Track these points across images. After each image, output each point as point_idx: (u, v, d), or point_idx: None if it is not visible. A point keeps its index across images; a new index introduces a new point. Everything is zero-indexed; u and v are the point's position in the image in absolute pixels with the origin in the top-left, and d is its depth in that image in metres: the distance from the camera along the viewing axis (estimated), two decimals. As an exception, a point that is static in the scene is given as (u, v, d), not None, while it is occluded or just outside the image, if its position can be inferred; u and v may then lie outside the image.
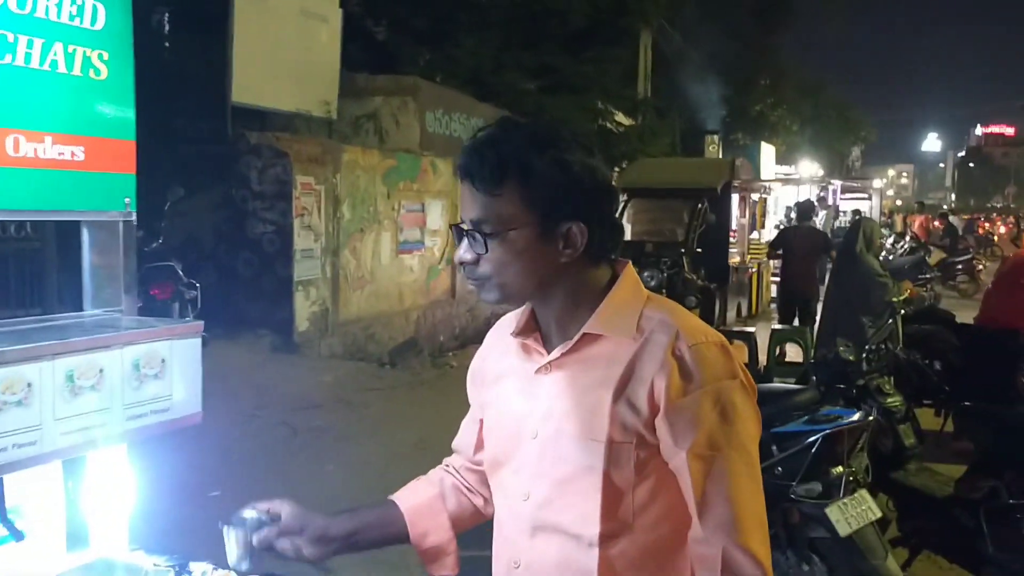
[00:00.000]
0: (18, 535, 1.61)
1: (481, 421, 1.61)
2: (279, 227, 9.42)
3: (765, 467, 3.37)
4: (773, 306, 14.19)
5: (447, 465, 1.72)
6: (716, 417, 1.38)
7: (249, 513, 1.44)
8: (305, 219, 9.71)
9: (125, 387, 1.39)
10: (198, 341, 1.54)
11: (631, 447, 1.39)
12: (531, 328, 1.51)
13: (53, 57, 1.49)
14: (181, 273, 7.51)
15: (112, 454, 1.62)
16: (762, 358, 7.58)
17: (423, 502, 1.64)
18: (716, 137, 25.15)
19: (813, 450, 3.58)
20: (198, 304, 7.89)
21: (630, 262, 1.52)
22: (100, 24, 1.57)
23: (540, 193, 1.38)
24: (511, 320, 1.57)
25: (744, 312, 13.61)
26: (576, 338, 1.43)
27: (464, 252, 1.41)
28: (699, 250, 11.70)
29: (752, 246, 14.82)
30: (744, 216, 14.50)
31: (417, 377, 9.23)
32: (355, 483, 5.51)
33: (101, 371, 1.35)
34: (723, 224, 12.80)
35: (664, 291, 9.89)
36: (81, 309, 1.70)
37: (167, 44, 10.45)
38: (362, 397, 7.71)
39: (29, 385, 1.24)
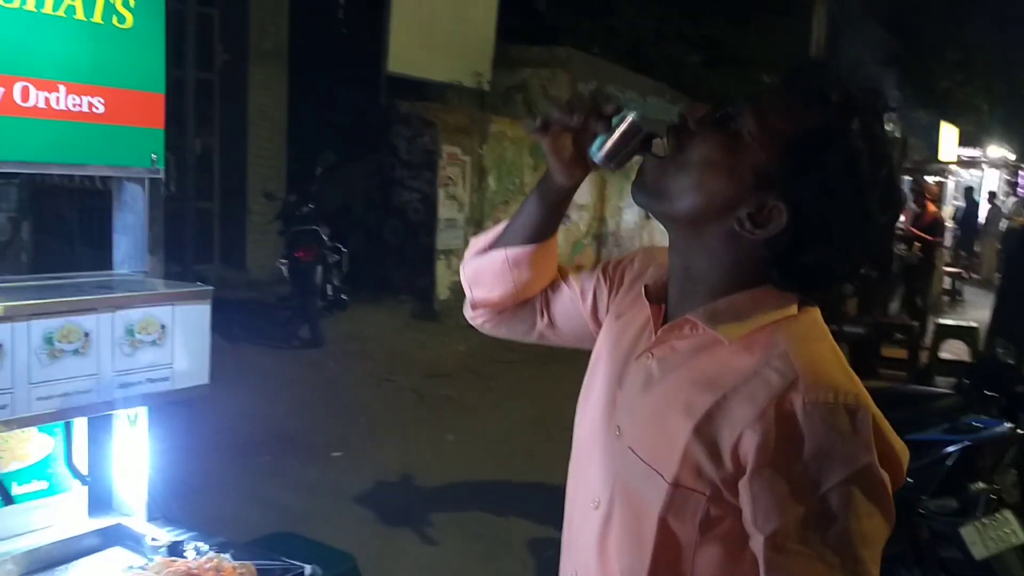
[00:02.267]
0: (84, 480, 1.60)
1: (580, 294, 1.37)
2: (424, 196, 9.56)
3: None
4: (945, 299, 13.16)
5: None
6: (817, 506, 1.03)
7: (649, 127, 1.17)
8: (450, 189, 9.78)
9: (115, 352, 1.31)
10: (206, 308, 1.45)
11: (701, 499, 1.08)
12: (659, 296, 1.21)
13: (70, 2, 1.43)
14: (326, 238, 7.70)
15: (138, 418, 1.57)
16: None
17: (552, 258, 1.40)
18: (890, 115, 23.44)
19: (950, 462, 3.19)
20: (343, 268, 8.10)
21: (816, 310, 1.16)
22: (125, -32, 1.50)
23: (811, 150, 1.06)
24: (650, 266, 1.29)
25: (911, 304, 12.68)
26: (677, 320, 1.14)
27: (700, 114, 1.12)
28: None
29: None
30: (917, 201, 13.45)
31: (549, 352, 9.12)
32: (471, 455, 5.48)
33: (86, 336, 1.28)
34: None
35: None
36: (128, 268, 1.65)
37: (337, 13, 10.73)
38: (491, 369, 7.67)
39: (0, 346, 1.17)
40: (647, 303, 1.20)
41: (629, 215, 13.58)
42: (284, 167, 9.60)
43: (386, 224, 9.80)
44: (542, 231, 1.33)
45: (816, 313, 1.15)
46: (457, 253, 9.82)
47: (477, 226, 10.22)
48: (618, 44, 14.17)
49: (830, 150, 1.06)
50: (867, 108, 1.08)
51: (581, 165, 1.23)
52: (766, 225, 1.08)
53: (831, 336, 1.15)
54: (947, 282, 13.50)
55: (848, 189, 1.06)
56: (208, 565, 1.37)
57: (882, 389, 5.47)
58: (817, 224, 1.07)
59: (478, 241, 1.41)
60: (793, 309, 1.12)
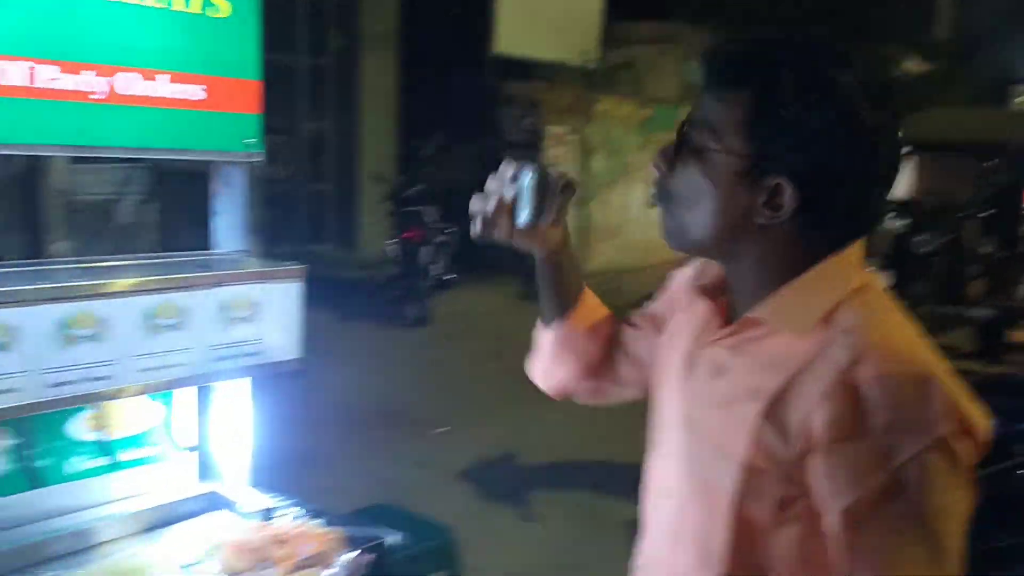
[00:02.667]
0: (188, 448, 1.70)
1: (637, 329, 1.39)
2: (530, 176, 9.60)
3: (1005, 468, 2.90)
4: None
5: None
6: (889, 480, 1.01)
7: (556, 171, 1.24)
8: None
9: (209, 327, 1.39)
10: (297, 286, 1.50)
11: (774, 481, 1.08)
12: (718, 290, 1.22)
13: (170, -6, 1.50)
14: (433, 218, 7.85)
15: (240, 390, 1.65)
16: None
17: (604, 316, 1.45)
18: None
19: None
20: (450, 248, 8.24)
21: (858, 243, 1.13)
22: (222, -40, 1.56)
23: (768, 122, 1.06)
24: (703, 267, 1.28)
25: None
26: (740, 321, 1.14)
27: (660, 155, 1.14)
28: (989, 213, 10.36)
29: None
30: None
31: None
32: (575, 434, 5.50)
33: (182, 310, 1.35)
34: (1018, 186, 11.23)
35: (936, 258, 8.85)
36: (228, 248, 1.73)
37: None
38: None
39: (102, 321, 1.25)
40: (704, 300, 1.21)
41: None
42: (395, 149, 9.81)
43: (494, 204, 9.89)
44: (565, 302, 1.39)
45: (878, 285, 1.13)
46: (563, 233, 9.86)
47: (583, 206, 10.21)
48: (732, 18, 13.79)
49: (778, 115, 1.05)
50: (794, 57, 1.07)
51: (534, 234, 1.28)
52: (782, 205, 1.06)
53: (897, 308, 1.12)
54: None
55: (816, 131, 1.04)
56: (296, 531, 1.44)
57: (1001, 375, 5.18)
58: (819, 174, 1.06)
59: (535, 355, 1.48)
60: (855, 282, 1.10)
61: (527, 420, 5.78)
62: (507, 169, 1.24)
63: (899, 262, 8.01)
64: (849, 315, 1.06)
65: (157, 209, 5.68)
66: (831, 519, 1.02)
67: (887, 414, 1.00)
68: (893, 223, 8.17)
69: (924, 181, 11.55)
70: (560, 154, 9.91)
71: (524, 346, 1.43)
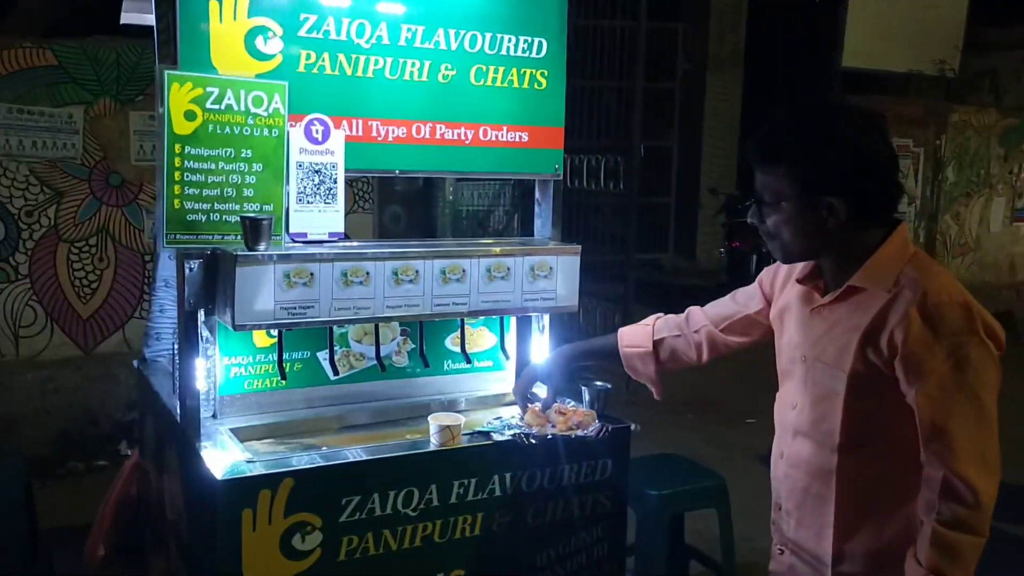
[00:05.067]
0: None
1: (750, 315, 2.05)
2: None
3: None
4: None
5: (686, 313, 2.16)
6: (949, 366, 1.60)
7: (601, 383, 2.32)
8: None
9: (523, 280, 2.31)
10: (576, 259, 2.37)
11: (871, 380, 1.69)
12: (814, 276, 1.84)
13: (510, 78, 2.45)
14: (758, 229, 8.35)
15: (543, 323, 2.56)
16: None
17: (638, 353, 2.17)
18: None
19: None
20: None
21: (904, 223, 1.79)
22: (543, 54, 2.48)
23: (802, 172, 1.68)
24: (800, 266, 1.90)
25: None
26: (842, 288, 1.75)
27: (751, 216, 1.80)
28: None
29: None
30: None
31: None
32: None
33: (508, 268, 2.28)
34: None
35: None
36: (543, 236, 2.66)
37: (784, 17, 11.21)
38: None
39: (464, 271, 2.23)
40: (802, 286, 1.86)
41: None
42: (735, 165, 10.39)
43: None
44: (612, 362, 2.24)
45: (924, 254, 1.77)
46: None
47: (931, 220, 9.98)
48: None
49: (803, 158, 1.68)
50: (816, 116, 1.73)
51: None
52: (839, 214, 1.70)
53: (940, 265, 1.76)
54: None
55: (833, 158, 1.66)
56: (571, 409, 2.30)
57: None
58: (849, 181, 1.68)
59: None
60: (910, 252, 1.73)
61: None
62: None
63: None
64: (911, 272, 1.70)
65: (519, 217, 6.92)
66: (911, 397, 1.66)
67: (943, 326, 1.61)
68: None
69: None
70: (904, 166, 9.79)
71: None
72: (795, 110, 1.77)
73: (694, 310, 2.16)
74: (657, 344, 2.16)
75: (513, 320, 2.62)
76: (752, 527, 3.20)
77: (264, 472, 1.95)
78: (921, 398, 1.63)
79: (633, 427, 2.35)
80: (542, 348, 2.59)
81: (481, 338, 2.64)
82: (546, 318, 2.56)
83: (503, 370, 2.68)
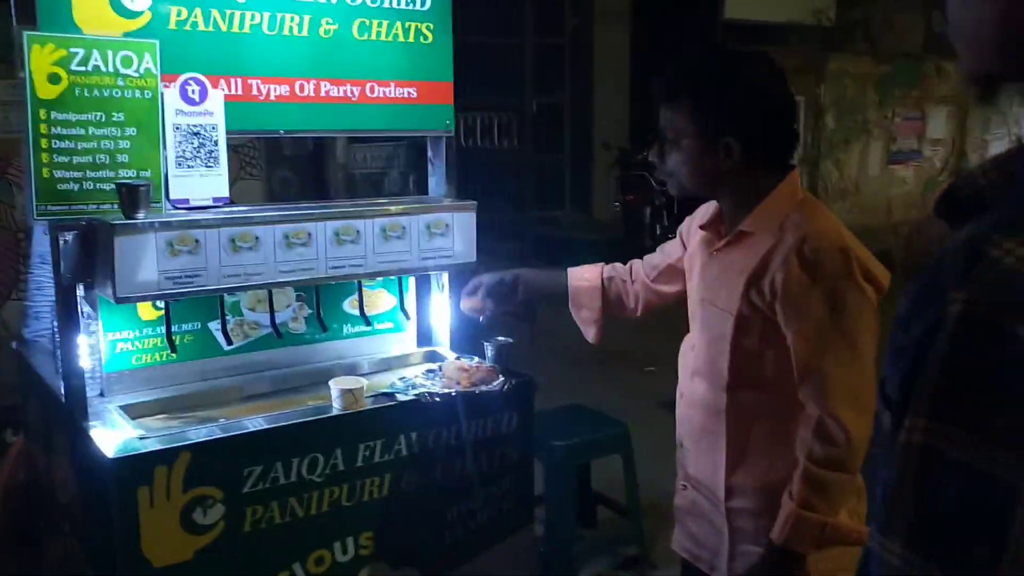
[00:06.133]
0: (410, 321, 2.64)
1: (672, 263, 2.09)
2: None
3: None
4: None
5: (629, 264, 2.20)
6: (825, 309, 1.66)
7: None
8: (784, 130, 10.01)
9: (420, 239, 2.27)
10: (472, 215, 2.35)
11: (755, 321, 1.76)
12: (715, 222, 1.91)
13: (395, 31, 2.39)
14: (655, 182, 8.51)
15: (442, 281, 2.54)
16: None
17: (586, 287, 2.19)
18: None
19: None
20: (673, 209, 8.86)
21: (796, 171, 1.84)
22: (427, 6, 2.43)
23: (705, 110, 1.74)
24: (703, 211, 2.01)
25: None
26: (734, 233, 1.81)
27: (652, 154, 1.89)
28: None
29: None
30: None
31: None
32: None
33: (404, 228, 2.24)
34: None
35: None
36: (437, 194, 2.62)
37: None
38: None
39: (358, 232, 2.18)
40: (704, 232, 1.92)
41: (998, 148, 12.56)
42: (626, 119, 10.51)
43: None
44: (559, 300, 2.25)
45: (812, 198, 1.82)
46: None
47: (812, 166, 10.36)
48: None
49: (708, 97, 1.73)
50: (723, 59, 1.78)
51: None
52: (733, 154, 1.75)
53: (826, 210, 1.81)
54: None
55: (740, 107, 1.72)
56: (473, 365, 2.30)
57: None
58: (748, 124, 1.73)
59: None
60: (798, 197, 1.76)
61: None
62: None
63: None
64: (795, 217, 1.75)
65: (413, 180, 6.85)
66: (790, 339, 1.72)
67: (821, 270, 1.69)
68: None
69: None
70: (788, 115, 10.11)
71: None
72: (705, 52, 1.83)
73: (635, 262, 2.21)
74: (606, 282, 2.18)
75: (412, 280, 2.59)
76: (658, 471, 3.29)
77: (158, 448, 1.89)
78: (797, 339, 1.70)
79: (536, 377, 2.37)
80: (443, 307, 2.57)
81: (380, 300, 2.60)
82: (445, 276, 2.54)
83: (404, 331, 2.66)
